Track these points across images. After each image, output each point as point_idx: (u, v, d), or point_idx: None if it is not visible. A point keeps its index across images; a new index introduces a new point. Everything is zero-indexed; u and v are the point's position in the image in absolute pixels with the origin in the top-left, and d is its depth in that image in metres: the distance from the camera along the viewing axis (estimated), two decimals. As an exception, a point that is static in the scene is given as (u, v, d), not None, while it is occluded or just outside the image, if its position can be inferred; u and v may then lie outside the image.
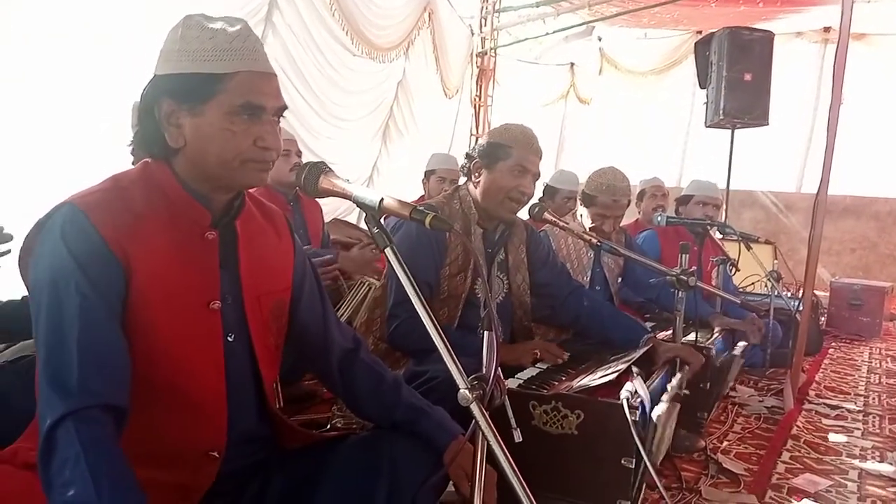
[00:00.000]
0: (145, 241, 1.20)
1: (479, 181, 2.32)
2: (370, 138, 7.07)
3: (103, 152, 3.58)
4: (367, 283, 3.04)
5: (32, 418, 1.19)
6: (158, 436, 1.25)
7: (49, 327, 1.12)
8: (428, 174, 4.60)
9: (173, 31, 1.24)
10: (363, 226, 3.57)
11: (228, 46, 1.21)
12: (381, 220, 1.25)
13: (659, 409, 1.88)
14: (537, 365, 2.22)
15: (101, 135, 3.72)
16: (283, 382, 2.44)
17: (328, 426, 2.45)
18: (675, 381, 2.15)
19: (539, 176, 2.32)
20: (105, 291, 1.14)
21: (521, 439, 1.19)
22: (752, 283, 4.73)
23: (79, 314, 1.11)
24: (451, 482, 1.53)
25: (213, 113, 1.21)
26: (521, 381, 2.02)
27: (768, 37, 5.61)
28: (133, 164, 1.42)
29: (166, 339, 1.22)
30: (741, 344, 3.09)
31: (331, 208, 5.46)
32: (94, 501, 1.01)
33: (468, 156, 2.39)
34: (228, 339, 1.31)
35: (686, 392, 2.23)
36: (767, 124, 5.62)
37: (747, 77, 5.45)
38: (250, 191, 1.40)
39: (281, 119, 1.30)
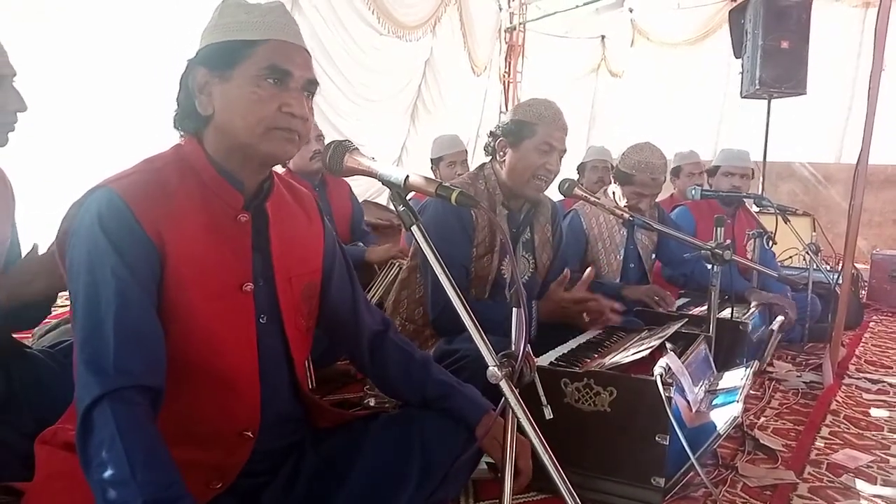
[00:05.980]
0: (180, 223, 1.21)
1: (504, 160, 2.28)
2: (398, 118, 7.07)
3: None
4: (397, 265, 3.05)
5: (70, 402, 1.21)
6: (194, 416, 1.27)
7: (86, 310, 1.14)
8: (435, 161, 4.22)
9: (214, 12, 1.29)
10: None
11: (262, 19, 1.25)
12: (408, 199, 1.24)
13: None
14: (569, 342, 2.20)
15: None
16: (316, 366, 2.46)
17: (361, 405, 2.47)
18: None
19: (565, 152, 2.28)
20: (141, 274, 1.16)
21: (551, 416, 1.19)
22: (791, 257, 4.63)
23: (115, 297, 1.13)
24: (483, 458, 1.54)
25: (240, 77, 1.23)
26: (553, 359, 2.01)
27: (806, 2, 5.44)
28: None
29: (200, 321, 1.23)
30: (779, 319, 3.03)
31: (361, 190, 5.46)
32: (130, 481, 1.03)
33: (492, 133, 2.34)
34: (261, 320, 1.32)
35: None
36: (805, 93, 5.47)
37: (784, 45, 5.31)
38: (279, 174, 1.41)
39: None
